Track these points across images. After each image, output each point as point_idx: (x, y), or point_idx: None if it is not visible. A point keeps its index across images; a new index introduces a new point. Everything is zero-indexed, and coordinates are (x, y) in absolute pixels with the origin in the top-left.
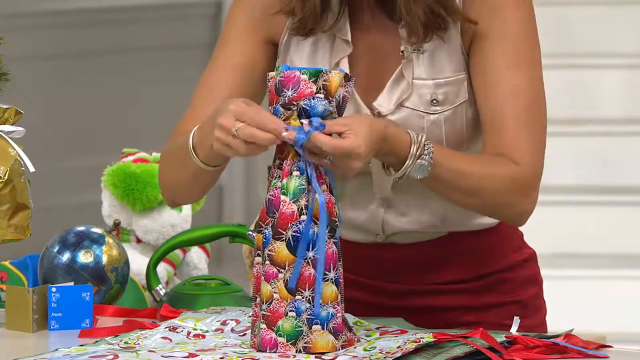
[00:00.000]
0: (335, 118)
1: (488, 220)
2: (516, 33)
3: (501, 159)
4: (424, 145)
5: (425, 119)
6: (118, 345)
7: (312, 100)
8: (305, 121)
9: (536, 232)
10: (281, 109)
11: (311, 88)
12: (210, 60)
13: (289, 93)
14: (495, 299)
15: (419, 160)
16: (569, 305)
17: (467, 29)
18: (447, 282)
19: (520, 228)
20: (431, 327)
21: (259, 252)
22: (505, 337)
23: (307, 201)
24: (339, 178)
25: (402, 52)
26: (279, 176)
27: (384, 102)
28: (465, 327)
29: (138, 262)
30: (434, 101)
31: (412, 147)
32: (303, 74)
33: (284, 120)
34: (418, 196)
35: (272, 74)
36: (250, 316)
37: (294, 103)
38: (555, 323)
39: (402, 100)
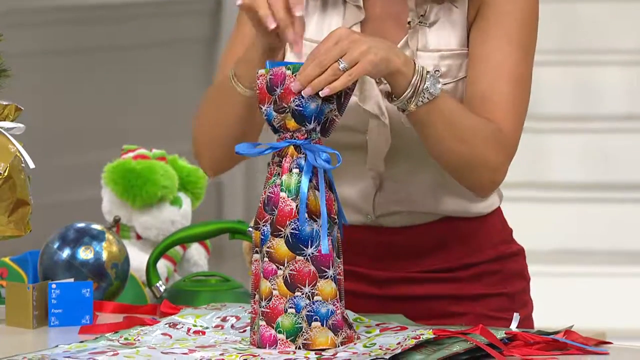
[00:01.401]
0: (336, 115)
1: (477, 209)
2: (522, 11)
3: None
4: (425, 70)
5: None
6: (118, 341)
7: (302, 100)
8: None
9: (539, 228)
10: (274, 113)
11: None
12: (234, 29)
13: (278, 90)
14: (483, 290)
15: (429, 75)
16: (569, 301)
17: (475, 3)
18: (433, 270)
19: (518, 223)
20: (416, 316)
21: (257, 249)
22: (505, 333)
23: (307, 198)
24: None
25: (408, 22)
26: (278, 173)
27: None
28: (452, 317)
29: (138, 259)
30: (436, 72)
31: (416, 65)
32: (288, 69)
33: (279, 123)
34: (410, 172)
35: (262, 71)
36: (250, 312)
37: (285, 105)
38: (556, 319)
39: None
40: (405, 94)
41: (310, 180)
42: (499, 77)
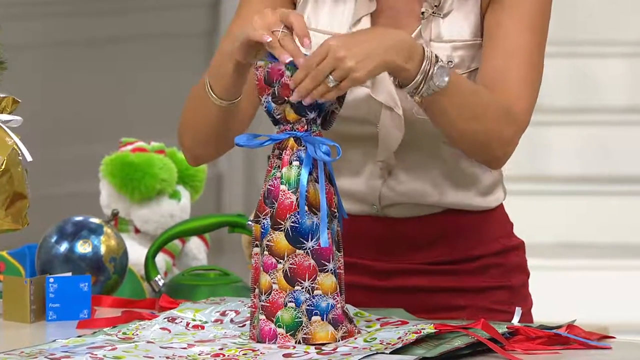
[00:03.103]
0: (336, 108)
1: (484, 204)
2: (537, 1)
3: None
4: (434, 55)
5: None
6: (116, 336)
7: None
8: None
9: (539, 221)
10: (273, 104)
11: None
12: (234, 16)
13: (276, 84)
14: (485, 283)
15: (438, 64)
16: (571, 295)
17: None
18: (436, 262)
19: (518, 216)
20: (419, 309)
21: (257, 242)
22: (507, 327)
23: (306, 191)
24: (341, 142)
25: (422, 12)
26: (278, 166)
27: None
28: (454, 310)
29: (136, 253)
30: (449, 63)
31: (425, 50)
32: (287, 69)
33: (278, 114)
34: (419, 164)
35: (260, 63)
36: (249, 307)
37: (285, 98)
38: (558, 313)
39: None
40: (410, 85)
41: (310, 173)
42: (512, 57)
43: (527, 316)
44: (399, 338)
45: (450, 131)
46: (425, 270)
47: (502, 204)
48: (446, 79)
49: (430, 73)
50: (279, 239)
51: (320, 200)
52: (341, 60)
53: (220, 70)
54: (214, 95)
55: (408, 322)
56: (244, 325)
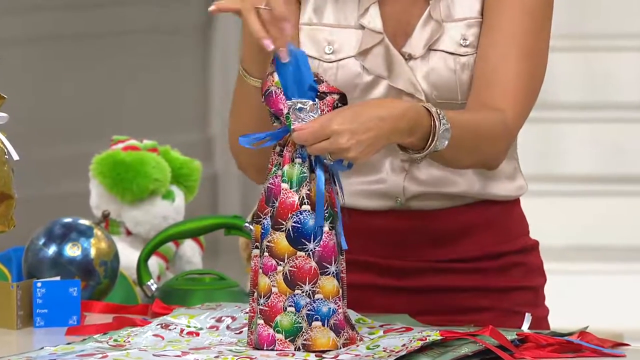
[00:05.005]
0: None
1: (508, 192)
2: None
3: (485, 108)
4: (437, 112)
5: (455, 61)
6: (107, 343)
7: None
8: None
9: (549, 223)
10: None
11: None
12: None
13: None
14: (508, 283)
15: (442, 127)
16: (583, 300)
17: None
18: (458, 259)
19: (529, 218)
20: (440, 310)
21: (256, 244)
22: (516, 334)
23: (309, 190)
24: None
25: None
26: (280, 164)
27: (414, 45)
28: (478, 312)
29: (128, 256)
30: (464, 41)
31: (434, 121)
32: (277, 84)
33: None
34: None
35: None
36: (247, 312)
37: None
38: (569, 319)
39: (432, 41)
40: (411, 153)
41: (312, 171)
42: (509, 51)
43: (543, 323)
44: (403, 345)
45: (448, 165)
46: (445, 269)
47: (519, 200)
48: (445, 142)
49: (434, 143)
50: (280, 240)
51: (336, 202)
52: (344, 150)
53: (247, 49)
54: (250, 77)
55: (412, 329)
56: (240, 332)
